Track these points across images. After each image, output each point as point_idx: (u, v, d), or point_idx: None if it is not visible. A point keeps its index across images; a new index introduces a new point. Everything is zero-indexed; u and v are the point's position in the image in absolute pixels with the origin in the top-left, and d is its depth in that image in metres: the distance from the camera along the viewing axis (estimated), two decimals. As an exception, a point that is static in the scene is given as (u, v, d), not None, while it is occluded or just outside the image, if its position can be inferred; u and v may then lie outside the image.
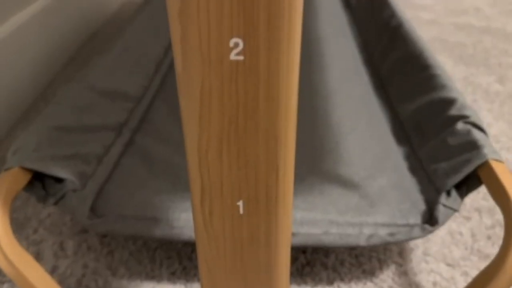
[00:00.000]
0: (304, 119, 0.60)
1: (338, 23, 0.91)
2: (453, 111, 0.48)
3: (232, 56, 0.23)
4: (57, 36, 0.87)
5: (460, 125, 0.46)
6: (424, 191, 0.47)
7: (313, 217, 0.44)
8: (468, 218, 0.55)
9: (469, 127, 0.45)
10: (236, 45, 0.22)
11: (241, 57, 0.23)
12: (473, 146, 0.43)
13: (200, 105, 0.24)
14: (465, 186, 0.43)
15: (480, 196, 0.59)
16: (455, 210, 0.42)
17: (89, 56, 0.95)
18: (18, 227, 0.54)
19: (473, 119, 0.46)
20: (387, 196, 0.46)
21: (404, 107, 0.59)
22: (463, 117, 0.47)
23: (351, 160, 0.52)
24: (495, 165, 0.40)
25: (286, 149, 0.26)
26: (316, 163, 0.52)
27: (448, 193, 0.43)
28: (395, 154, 0.53)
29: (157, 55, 0.71)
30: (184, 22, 0.22)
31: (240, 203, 0.28)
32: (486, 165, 0.41)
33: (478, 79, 0.87)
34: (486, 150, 0.42)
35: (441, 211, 0.42)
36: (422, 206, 0.45)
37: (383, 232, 0.42)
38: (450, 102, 0.50)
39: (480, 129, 0.45)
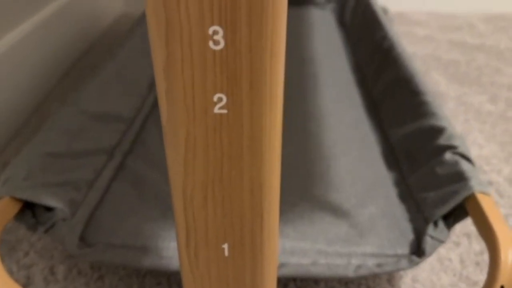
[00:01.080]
0: (296, 141, 0.60)
1: (333, 42, 0.92)
2: (442, 141, 0.48)
3: (216, 110, 0.23)
4: (52, 52, 0.87)
5: (448, 155, 0.47)
6: (412, 219, 0.47)
7: (303, 247, 0.44)
8: (457, 244, 0.56)
9: (457, 157, 0.46)
10: (220, 99, 0.23)
11: (224, 111, 0.23)
12: (461, 178, 0.44)
13: (185, 154, 0.25)
14: (452, 217, 0.44)
15: (469, 221, 0.59)
16: (442, 242, 0.43)
17: (85, 70, 0.96)
18: (9, 249, 0.54)
19: (461, 149, 0.46)
20: (376, 225, 0.47)
21: (394, 132, 0.59)
22: (451, 147, 0.47)
23: (342, 186, 0.53)
24: (481, 198, 0.41)
25: (270, 195, 0.27)
26: (307, 189, 0.52)
27: (436, 224, 0.44)
28: (386, 180, 0.54)
29: (150, 75, 0.72)
30: (169, 78, 0.22)
31: (225, 246, 0.28)
32: (472, 197, 0.41)
33: (470, 99, 0.88)
34: (472, 182, 0.42)
35: (428, 242, 0.42)
36: (410, 236, 0.45)
37: (371, 263, 0.43)
38: (439, 130, 0.50)
39: (468, 159, 0.46)
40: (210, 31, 0.20)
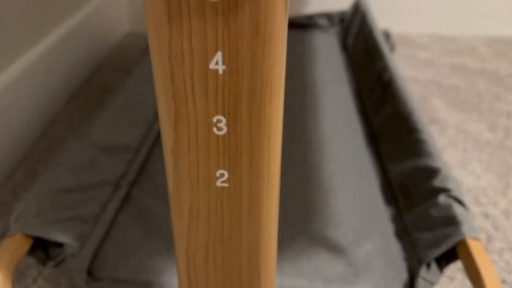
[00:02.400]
0: (295, 171, 0.62)
1: (335, 66, 0.94)
2: (437, 182, 0.50)
3: (218, 183, 0.25)
4: (60, 73, 0.90)
5: (442, 198, 0.48)
6: (407, 258, 0.49)
7: (300, 285, 0.46)
8: (451, 278, 0.57)
9: (450, 201, 0.48)
10: (222, 175, 0.25)
11: (226, 184, 0.25)
12: (453, 222, 0.45)
13: (189, 220, 0.27)
14: (445, 259, 0.46)
15: (464, 254, 0.61)
16: (434, 284, 0.44)
17: (93, 91, 0.98)
18: (18, 275, 0.56)
19: (454, 193, 0.48)
20: (372, 263, 0.49)
21: (392, 167, 0.61)
22: (445, 190, 0.49)
23: (339, 221, 0.54)
24: (471, 244, 0.43)
25: (267, 255, 0.29)
26: (305, 223, 0.54)
27: (428, 265, 0.46)
28: (383, 216, 0.55)
29: (155, 102, 0.74)
30: (176, 156, 0.24)
31: (225, 300, 0.30)
32: (463, 243, 0.43)
33: (469, 126, 0.90)
34: (464, 228, 0.44)
35: (421, 285, 0.44)
36: (404, 275, 0.47)
37: (365, 302, 0.45)
38: (434, 171, 0.52)
39: (461, 203, 0.47)
40: (215, 119, 0.23)
